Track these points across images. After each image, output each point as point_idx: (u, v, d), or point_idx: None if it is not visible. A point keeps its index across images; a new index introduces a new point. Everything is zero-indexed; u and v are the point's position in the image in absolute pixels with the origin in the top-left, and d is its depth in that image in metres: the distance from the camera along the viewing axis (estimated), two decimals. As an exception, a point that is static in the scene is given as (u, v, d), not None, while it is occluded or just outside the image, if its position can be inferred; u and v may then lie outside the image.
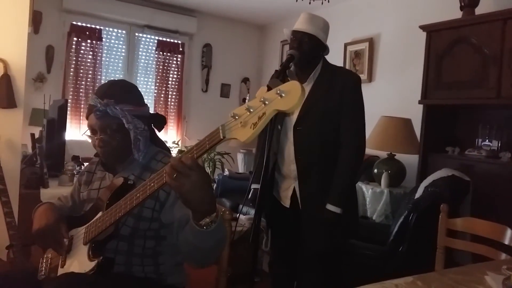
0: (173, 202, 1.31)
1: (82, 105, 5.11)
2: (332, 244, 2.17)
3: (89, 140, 1.41)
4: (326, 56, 2.23)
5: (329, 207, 2.06)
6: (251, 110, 0.88)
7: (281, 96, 0.84)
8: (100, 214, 1.28)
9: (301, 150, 2.12)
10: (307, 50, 2.10)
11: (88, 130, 1.40)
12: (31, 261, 2.09)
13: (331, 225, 2.08)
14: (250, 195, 2.28)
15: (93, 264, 1.22)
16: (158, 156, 1.44)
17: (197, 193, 1.00)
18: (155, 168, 1.39)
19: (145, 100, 1.47)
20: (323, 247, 2.14)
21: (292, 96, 0.83)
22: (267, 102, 0.86)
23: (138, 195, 1.12)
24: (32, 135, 3.35)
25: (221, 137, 0.93)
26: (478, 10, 3.10)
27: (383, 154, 3.74)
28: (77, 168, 2.90)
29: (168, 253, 1.40)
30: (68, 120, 3.39)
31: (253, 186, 2.29)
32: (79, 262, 1.28)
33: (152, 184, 1.07)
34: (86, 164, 3.38)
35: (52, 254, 1.44)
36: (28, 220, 2.14)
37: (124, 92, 1.39)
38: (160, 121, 1.47)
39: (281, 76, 1.93)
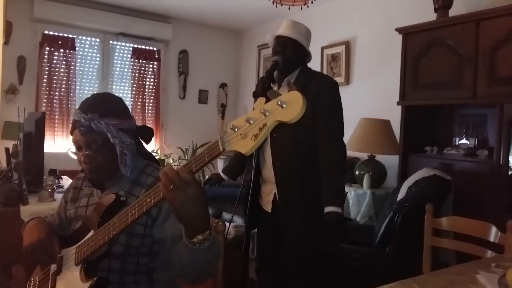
0: (165, 217, 1.28)
1: (57, 117, 4.99)
2: (314, 250, 2.15)
3: (74, 157, 1.36)
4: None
5: (329, 208, 1.98)
6: (251, 121, 0.87)
7: (282, 106, 0.83)
8: (91, 233, 1.24)
9: (278, 156, 2.13)
10: (289, 55, 2.12)
11: (73, 147, 1.35)
12: (12, 282, 2.02)
13: (333, 227, 2.04)
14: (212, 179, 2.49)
15: (87, 285, 1.18)
16: (148, 169, 1.41)
17: (191, 208, 0.97)
18: (145, 182, 1.36)
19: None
20: (302, 253, 2.13)
21: (293, 106, 0.82)
22: (267, 113, 0.85)
23: (133, 211, 1.08)
24: (7, 149, 3.23)
25: (221, 150, 0.91)
26: (452, 12, 3.18)
27: (363, 155, 3.79)
28: (57, 182, 2.82)
29: (162, 269, 1.37)
30: (43, 133, 3.29)
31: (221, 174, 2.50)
32: (72, 284, 1.23)
33: (148, 200, 1.04)
34: (64, 177, 3.32)
35: (40, 276, 1.38)
36: (8, 239, 2.07)
37: (108, 105, 1.35)
38: (148, 134, 1.45)
39: (267, 83, 1.94)
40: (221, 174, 2.52)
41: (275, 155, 2.12)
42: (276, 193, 2.15)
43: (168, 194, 0.96)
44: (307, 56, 2.21)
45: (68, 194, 1.51)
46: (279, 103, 0.84)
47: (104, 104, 1.35)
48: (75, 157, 1.36)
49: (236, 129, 0.89)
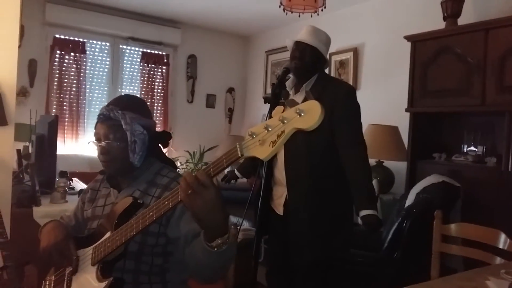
0: (179, 216, 1.31)
1: (66, 119, 5.03)
2: (322, 255, 2.15)
3: (95, 148, 1.42)
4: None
5: (365, 212, 1.99)
6: (270, 128, 0.89)
7: (300, 115, 0.86)
8: (108, 234, 1.27)
9: (291, 159, 2.14)
10: (308, 61, 2.14)
11: (95, 139, 1.42)
12: (25, 283, 2.04)
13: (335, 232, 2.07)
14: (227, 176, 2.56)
15: (103, 285, 1.20)
16: (163, 171, 1.44)
17: (210, 212, 0.99)
18: (160, 183, 1.39)
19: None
20: (310, 257, 2.13)
21: (311, 115, 0.85)
22: (286, 121, 0.87)
23: (151, 213, 1.11)
24: (18, 151, 3.27)
25: (239, 155, 0.94)
26: (461, 21, 3.20)
27: (371, 161, 3.77)
28: (68, 184, 2.85)
29: (175, 270, 1.40)
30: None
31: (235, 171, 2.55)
32: (87, 284, 1.26)
33: (166, 203, 1.07)
34: (74, 179, 3.35)
35: (55, 277, 1.41)
36: (21, 239, 2.10)
37: (130, 102, 1.44)
38: (166, 138, 1.49)
39: (278, 89, 1.96)
40: (236, 172, 2.59)
41: (288, 158, 2.13)
42: (287, 196, 2.17)
43: (186, 199, 0.99)
44: (325, 62, 2.24)
45: (86, 195, 1.54)
46: (298, 111, 0.86)
47: (127, 100, 1.45)
48: (96, 148, 1.41)
49: (254, 136, 0.92)
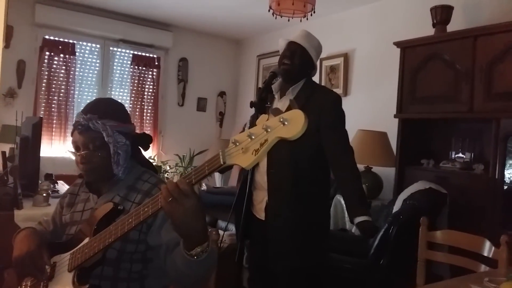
0: (160, 224, 1.29)
1: (54, 121, 4.99)
2: (301, 262, 2.10)
3: (73, 157, 1.38)
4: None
5: (360, 218, 1.97)
6: (253, 136, 0.89)
7: (284, 124, 0.85)
8: (86, 240, 1.24)
9: (273, 164, 2.09)
10: (297, 63, 2.12)
11: (72, 148, 1.37)
12: (5, 286, 2.01)
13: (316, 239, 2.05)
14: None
15: (78, 292, 1.18)
16: (144, 176, 1.41)
17: (190, 221, 0.98)
18: (141, 188, 1.36)
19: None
20: (288, 264, 2.08)
21: (295, 124, 0.84)
22: (269, 130, 0.87)
23: (130, 220, 1.09)
24: (3, 153, 3.23)
25: (222, 163, 0.93)
26: (450, 27, 3.22)
27: (360, 167, 3.76)
28: (52, 187, 2.81)
29: (154, 277, 1.37)
30: (41, 137, 3.30)
31: None
32: (63, 292, 1.23)
33: (146, 209, 1.05)
34: (60, 182, 3.31)
35: (31, 281, 1.38)
36: (1, 243, 2.06)
37: (108, 108, 1.38)
38: (146, 141, 1.46)
39: (264, 93, 1.94)
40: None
41: (270, 163, 2.10)
42: (267, 201, 2.13)
43: (167, 206, 0.98)
44: (313, 68, 2.22)
45: (64, 200, 1.51)
46: (281, 120, 0.86)
47: (105, 107, 1.38)
48: (73, 157, 1.37)
49: (238, 144, 0.91)
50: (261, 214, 2.18)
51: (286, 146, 2.05)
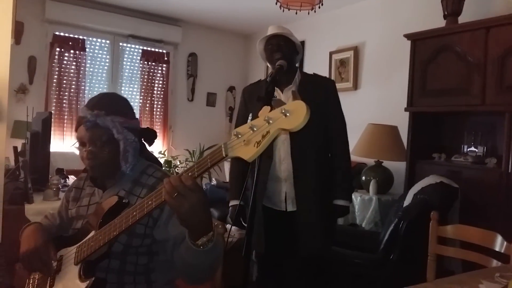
0: (167, 219, 1.28)
1: (66, 117, 5.04)
2: (325, 248, 2.22)
3: (77, 153, 1.38)
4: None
5: (340, 202, 2.18)
6: (255, 128, 0.88)
7: (285, 115, 0.84)
8: (92, 233, 1.24)
9: (296, 148, 2.16)
10: (287, 52, 2.17)
11: (77, 143, 1.37)
12: (16, 280, 2.03)
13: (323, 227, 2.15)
14: (229, 213, 2.30)
15: (84, 285, 1.18)
16: (149, 170, 1.41)
17: (195, 214, 0.99)
18: (146, 182, 1.36)
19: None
20: (319, 248, 2.18)
21: (296, 115, 0.83)
22: (271, 121, 0.86)
23: (134, 213, 1.09)
24: (15, 148, 3.27)
25: (224, 155, 0.92)
26: (461, 19, 3.16)
27: (370, 161, 3.76)
28: (62, 181, 2.84)
29: (160, 270, 1.37)
30: (51, 132, 3.33)
31: (232, 203, 2.29)
32: (70, 283, 1.24)
33: (150, 202, 1.05)
34: (71, 177, 3.34)
35: (39, 275, 1.39)
36: (12, 237, 2.08)
37: (114, 104, 1.37)
38: (151, 136, 1.45)
39: (270, 87, 1.93)
40: (234, 203, 2.30)
41: (293, 146, 2.16)
42: (288, 189, 2.18)
43: (172, 201, 0.98)
44: (298, 53, 2.28)
45: (70, 194, 1.51)
46: (283, 111, 0.85)
47: (111, 102, 1.37)
48: (78, 152, 1.37)
49: (240, 136, 0.90)
50: (280, 205, 2.20)
51: (305, 129, 2.06)
